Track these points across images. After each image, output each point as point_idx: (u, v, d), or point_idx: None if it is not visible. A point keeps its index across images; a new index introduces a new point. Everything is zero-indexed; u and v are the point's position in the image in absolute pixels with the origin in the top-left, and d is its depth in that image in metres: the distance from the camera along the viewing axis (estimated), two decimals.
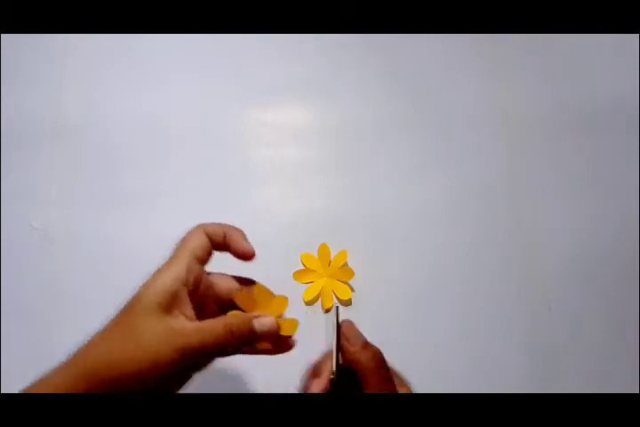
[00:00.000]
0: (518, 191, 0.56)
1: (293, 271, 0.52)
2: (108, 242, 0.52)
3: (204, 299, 0.34)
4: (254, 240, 0.52)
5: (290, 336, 0.35)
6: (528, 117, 0.58)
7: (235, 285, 0.36)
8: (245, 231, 0.52)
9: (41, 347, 0.48)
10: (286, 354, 0.50)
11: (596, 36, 0.56)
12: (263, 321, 0.33)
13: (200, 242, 0.34)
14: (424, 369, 0.51)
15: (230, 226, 0.36)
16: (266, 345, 0.35)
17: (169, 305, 0.31)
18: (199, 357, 0.31)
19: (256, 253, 0.36)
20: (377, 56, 0.59)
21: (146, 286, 0.31)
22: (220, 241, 0.35)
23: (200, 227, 0.35)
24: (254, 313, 0.35)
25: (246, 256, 0.35)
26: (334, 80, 0.58)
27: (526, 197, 0.56)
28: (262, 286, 0.36)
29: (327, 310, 0.52)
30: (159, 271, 0.32)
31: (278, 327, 0.34)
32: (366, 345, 0.37)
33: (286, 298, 0.36)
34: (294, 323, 0.35)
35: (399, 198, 0.55)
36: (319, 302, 0.52)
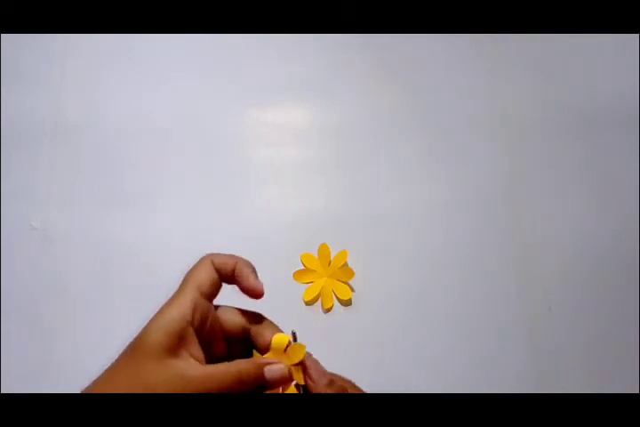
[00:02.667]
0: (518, 191, 0.56)
1: (293, 271, 0.52)
2: (108, 242, 0.52)
3: (212, 336, 0.33)
4: (254, 240, 0.52)
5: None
6: (528, 117, 0.58)
7: (242, 320, 0.34)
8: (246, 231, 0.52)
9: (41, 347, 0.48)
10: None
11: (596, 36, 0.56)
12: (274, 368, 0.32)
13: (207, 275, 0.32)
14: (424, 369, 0.51)
15: (241, 258, 0.34)
16: (276, 390, 0.33)
17: (175, 347, 0.29)
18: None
19: (264, 292, 0.33)
20: (377, 56, 0.59)
21: (150, 326, 0.30)
22: (229, 274, 0.33)
23: (208, 258, 0.33)
24: (266, 359, 0.33)
25: (255, 294, 0.33)
26: (334, 80, 0.58)
27: (526, 197, 0.56)
28: (280, 333, 0.34)
29: (327, 310, 0.52)
30: (163, 309, 0.31)
31: (290, 375, 0.33)
32: (331, 383, 0.35)
33: (303, 346, 0.34)
34: (302, 348, 0.33)
35: (399, 198, 0.55)
36: (319, 302, 0.52)
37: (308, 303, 0.51)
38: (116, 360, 0.30)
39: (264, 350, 0.34)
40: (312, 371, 0.34)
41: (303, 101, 0.58)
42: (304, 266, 0.53)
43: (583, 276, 0.54)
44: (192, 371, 0.29)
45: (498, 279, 0.53)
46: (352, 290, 0.52)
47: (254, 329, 0.34)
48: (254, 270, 0.34)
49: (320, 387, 0.33)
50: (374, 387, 0.50)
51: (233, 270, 0.33)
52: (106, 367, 0.30)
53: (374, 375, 0.50)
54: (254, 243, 0.50)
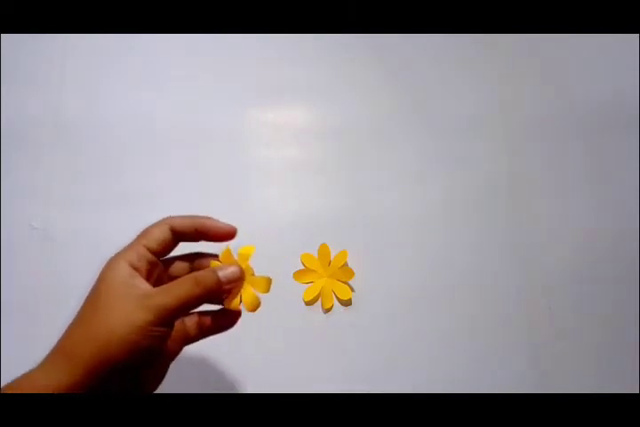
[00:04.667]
0: (518, 192, 0.56)
1: (293, 271, 0.52)
2: (108, 242, 0.51)
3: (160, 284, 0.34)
4: (254, 240, 0.52)
5: (237, 312, 0.35)
6: (528, 118, 0.58)
7: (186, 265, 0.36)
8: (245, 231, 0.52)
9: (41, 347, 0.48)
10: (286, 355, 0.50)
11: (596, 36, 0.56)
12: (226, 269, 0.33)
13: (159, 235, 0.34)
14: (424, 369, 0.51)
15: (199, 216, 0.36)
16: (232, 301, 0.34)
17: (130, 283, 0.31)
18: (172, 314, 0.31)
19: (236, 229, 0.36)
20: (377, 56, 0.59)
21: (102, 272, 0.32)
22: (189, 231, 0.35)
23: (166, 219, 0.35)
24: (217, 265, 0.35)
25: (230, 234, 0.35)
26: (334, 80, 0.58)
27: (526, 198, 0.56)
28: (228, 250, 0.35)
29: (327, 310, 0.52)
30: (112, 259, 0.33)
31: (242, 274, 0.34)
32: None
33: (250, 247, 0.36)
34: (267, 280, 0.35)
35: (399, 198, 0.55)
36: (319, 302, 0.52)
37: (307, 303, 0.51)
38: (82, 305, 0.32)
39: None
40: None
41: (303, 101, 0.58)
42: (304, 266, 0.53)
43: (583, 276, 0.54)
44: (146, 289, 0.31)
45: (498, 279, 0.53)
46: (352, 290, 0.52)
47: (197, 263, 0.36)
48: (216, 219, 0.36)
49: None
50: (374, 387, 0.50)
51: (193, 228, 0.35)
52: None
53: (374, 375, 0.50)
54: (254, 243, 0.50)
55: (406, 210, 0.55)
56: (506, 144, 0.57)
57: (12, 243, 0.51)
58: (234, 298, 0.34)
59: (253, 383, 0.49)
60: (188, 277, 0.32)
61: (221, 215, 0.55)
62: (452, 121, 0.58)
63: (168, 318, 0.30)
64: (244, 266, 0.35)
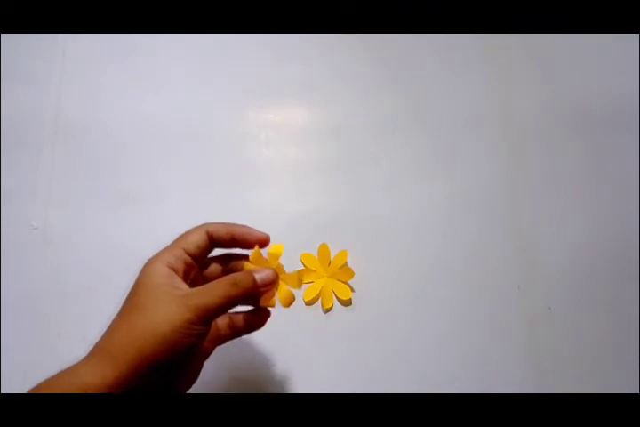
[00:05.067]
0: (518, 192, 0.56)
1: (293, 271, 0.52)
2: (108, 242, 0.52)
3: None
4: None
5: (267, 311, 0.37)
6: (528, 118, 0.58)
7: (219, 267, 0.38)
8: None
9: (41, 346, 0.48)
10: (286, 355, 0.50)
11: (596, 36, 0.56)
12: (262, 272, 0.35)
13: (196, 239, 0.35)
14: (424, 369, 0.51)
15: (235, 223, 0.37)
16: (269, 300, 0.36)
17: (169, 283, 0.32)
18: (212, 313, 0.32)
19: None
20: (377, 56, 0.59)
21: (141, 274, 0.33)
22: (225, 238, 0.36)
23: (203, 226, 0.36)
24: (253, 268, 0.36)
25: (263, 241, 0.37)
26: (334, 80, 0.58)
27: (526, 198, 0.56)
28: (258, 251, 0.37)
29: (327, 310, 0.52)
30: (151, 260, 0.34)
31: (277, 276, 0.36)
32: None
33: (281, 246, 0.37)
34: (299, 276, 0.37)
35: (399, 198, 0.55)
36: (319, 302, 0.52)
37: (307, 303, 0.51)
38: (122, 306, 0.33)
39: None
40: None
41: (303, 101, 0.58)
42: (304, 266, 0.53)
43: (583, 276, 0.54)
44: (187, 290, 0.33)
45: (498, 279, 0.53)
46: (352, 290, 0.52)
47: (232, 265, 0.38)
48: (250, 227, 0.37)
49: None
50: (374, 387, 0.50)
51: (230, 234, 0.36)
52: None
53: (374, 375, 0.50)
54: None
55: (406, 210, 0.55)
56: (506, 144, 0.57)
57: (11, 243, 0.51)
58: (270, 297, 0.36)
59: (253, 383, 0.49)
60: (226, 279, 0.33)
61: (221, 215, 0.55)
62: (452, 121, 0.58)
63: (208, 317, 0.32)
64: (275, 265, 0.37)
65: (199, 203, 0.53)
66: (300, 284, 0.37)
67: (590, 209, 0.55)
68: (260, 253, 0.37)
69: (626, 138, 0.57)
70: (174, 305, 0.31)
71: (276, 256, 0.37)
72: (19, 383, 0.47)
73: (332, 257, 0.52)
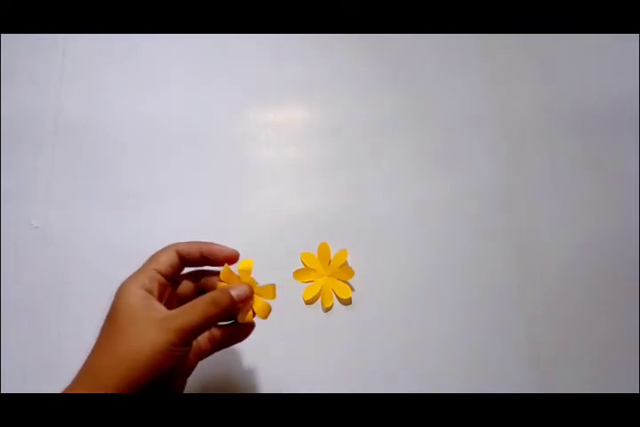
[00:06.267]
0: (518, 191, 0.56)
1: (293, 270, 0.52)
2: (109, 242, 0.52)
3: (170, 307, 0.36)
4: (254, 239, 0.52)
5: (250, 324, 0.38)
6: (528, 118, 0.58)
7: (191, 284, 0.39)
8: (245, 230, 0.52)
9: (41, 347, 0.48)
10: (286, 354, 0.50)
11: (596, 36, 0.56)
12: (238, 289, 0.36)
13: (167, 259, 0.36)
14: (424, 369, 0.51)
15: (203, 241, 0.38)
16: (246, 314, 0.37)
17: (147, 305, 0.33)
18: (192, 334, 0.32)
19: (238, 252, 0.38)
20: (377, 56, 0.59)
21: (117, 297, 0.34)
22: (196, 257, 0.37)
23: (172, 246, 0.37)
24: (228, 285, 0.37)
25: (232, 258, 0.37)
26: (334, 80, 0.58)
27: (526, 198, 0.56)
28: (228, 268, 0.38)
29: (327, 310, 0.52)
30: (125, 284, 0.34)
31: (252, 291, 0.37)
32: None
33: (250, 261, 0.38)
34: (273, 287, 0.38)
35: (399, 198, 0.55)
36: (319, 302, 0.52)
37: (307, 302, 0.51)
38: (101, 332, 0.33)
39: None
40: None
41: (303, 101, 0.58)
42: (304, 265, 0.53)
43: (583, 276, 0.54)
44: (165, 312, 0.33)
45: (498, 279, 0.53)
46: (352, 289, 0.52)
47: (203, 282, 0.38)
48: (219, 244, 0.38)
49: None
50: (374, 387, 0.50)
51: (199, 252, 0.37)
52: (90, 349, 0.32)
53: (374, 375, 0.50)
54: (254, 242, 0.50)
55: (406, 209, 0.55)
56: (506, 144, 0.57)
57: (11, 242, 0.51)
58: (247, 312, 0.37)
59: (252, 383, 0.49)
60: (203, 299, 0.34)
61: (221, 214, 0.55)
62: (452, 121, 0.58)
63: (189, 338, 0.32)
64: (247, 280, 0.37)
65: (199, 203, 0.53)
66: (274, 295, 0.38)
67: (590, 209, 0.55)
68: (230, 270, 0.37)
69: (626, 138, 0.57)
70: (155, 329, 0.31)
71: (248, 271, 0.38)
72: (19, 383, 0.47)
73: (332, 256, 0.52)
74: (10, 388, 0.46)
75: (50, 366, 0.48)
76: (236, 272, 0.38)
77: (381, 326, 0.51)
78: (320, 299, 0.52)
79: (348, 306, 0.52)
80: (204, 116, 0.56)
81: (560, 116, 0.58)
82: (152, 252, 0.37)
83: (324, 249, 0.52)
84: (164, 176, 0.54)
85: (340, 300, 0.52)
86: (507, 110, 0.58)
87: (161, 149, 0.55)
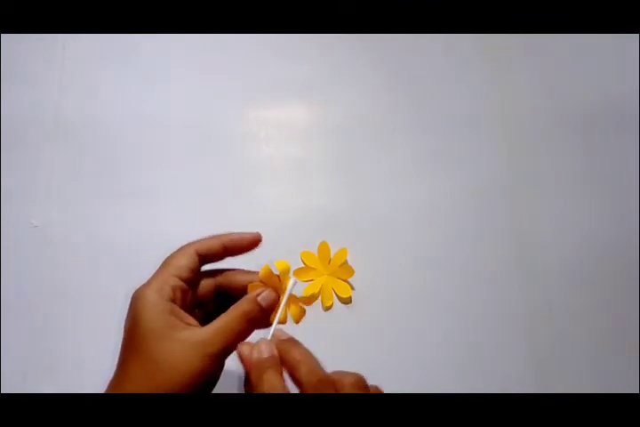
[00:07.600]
0: (518, 191, 0.56)
1: (293, 269, 0.52)
2: (108, 241, 0.52)
3: (191, 312, 0.34)
4: None
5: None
6: (528, 117, 0.58)
7: (211, 282, 0.36)
8: (245, 229, 0.52)
9: (41, 347, 0.48)
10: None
11: (596, 36, 0.56)
12: (264, 295, 0.35)
13: (187, 262, 0.33)
14: (423, 368, 0.51)
15: (219, 234, 0.36)
16: (283, 317, 0.36)
17: (171, 323, 0.30)
18: (230, 352, 0.31)
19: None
20: (377, 56, 0.59)
21: (138, 309, 0.30)
22: (217, 252, 0.35)
23: (189, 246, 0.34)
24: (252, 292, 0.35)
25: (257, 241, 0.36)
26: (335, 79, 0.58)
27: (526, 197, 0.56)
28: (268, 268, 0.36)
29: (327, 309, 0.52)
30: (143, 293, 0.31)
31: (277, 296, 0.36)
32: (320, 383, 0.32)
33: (285, 262, 0.37)
34: (311, 297, 0.37)
35: (400, 197, 0.55)
36: (319, 301, 0.52)
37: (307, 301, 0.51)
38: (122, 351, 0.30)
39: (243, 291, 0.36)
40: (302, 366, 0.32)
41: (304, 101, 0.58)
42: (304, 264, 0.52)
43: (583, 276, 0.54)
44: (201, 334, 0.30)
45: (498, 279, 0.53)
46: (352, 288, 0.52)
47: (225, 282, 0.36)
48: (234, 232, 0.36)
49: (308, 386, 0.32)
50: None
51: (220, 246, 0.35)
52: (114, 371, 0.30)
53: (373, 375, 0.50)
54: None
55: (406, 208, 0.55)
56: (506, 144, 0.57)
57: (12, 242, 0.51)
58: (275, 314, 0.36)
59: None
60: (237, 316, 0.32)
61: (221, 214, 0.55)
62: (452, 120, 0.58)
63: (227, 356, 0.31)
64: (286, 281, 0.37)
65: (199, 202, 0.53)
66: (312, 301, 0.37)
67: (590, 209, 0.55)
68: (271, 271, 0.36)
69: (626, 138, 0.57)
70: (195, 357, 0.29)
71: (286, 272, 0.37)
72: (19, 383, 0.47)
73: (332, 255, 0.52)
74: (10, 388, 0.46)
75: (50, 367, 0.48)
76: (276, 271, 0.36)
77: (381, 325, 0.51)
78: (320, 298, 0.52)
79: (348, 305, 0.52)
80: (204, 116, 0.56)
81: (560, 116, 0.58)
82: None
83: (324, 248, 0.52)
84: (164, 176, 0.54)
85: (340, 299, 0.52)
86: (507, 110, 0.58)
87: (161, 148, 0.55)
